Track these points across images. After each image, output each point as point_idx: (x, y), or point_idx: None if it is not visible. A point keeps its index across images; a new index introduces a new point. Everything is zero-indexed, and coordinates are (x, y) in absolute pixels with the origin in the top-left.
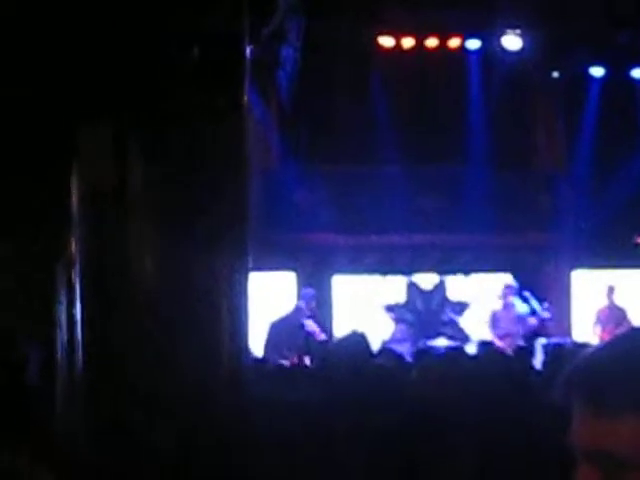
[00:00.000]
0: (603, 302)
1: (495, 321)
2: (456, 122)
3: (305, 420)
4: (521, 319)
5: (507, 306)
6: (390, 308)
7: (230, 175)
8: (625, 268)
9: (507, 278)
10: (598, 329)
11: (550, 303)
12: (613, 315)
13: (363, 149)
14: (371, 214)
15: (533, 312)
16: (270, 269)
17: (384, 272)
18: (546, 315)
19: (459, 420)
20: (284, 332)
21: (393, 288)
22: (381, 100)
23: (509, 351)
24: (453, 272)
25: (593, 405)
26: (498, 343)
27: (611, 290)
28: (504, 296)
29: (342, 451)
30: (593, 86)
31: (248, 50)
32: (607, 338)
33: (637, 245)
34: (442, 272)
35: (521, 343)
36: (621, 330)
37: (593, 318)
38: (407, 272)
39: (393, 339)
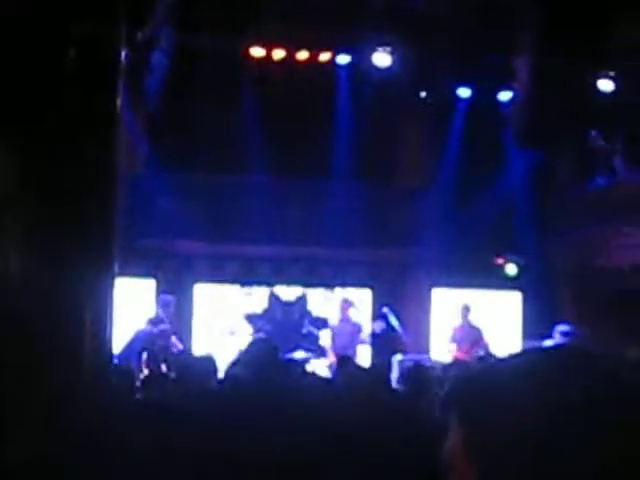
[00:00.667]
0: (458, 321)
1: (333, 336)
2: (323, 135)
3: (161, 429)
4: (356, 333)
5: (344, 320)
6: (250, 318)
7: (99, 180)
8: (484, 288)
9: (367, 293)
10: (453, 347)
11: (409, 320)
12: (468, 334)
13: (230, 158)
14: (235, 223)
15: (392, 328)
16: (131, 275)
17: (245, 282)
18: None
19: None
20: (142, 339)
21: (254, 298)
22: (250, 110)
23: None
24: (314, 285)
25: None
26: (331, 358)
27: (466, 309)
28: (341, 310)
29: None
30: (460, 106)
31: (123, 54)
32: (461, 357)
33: (496, 266)
34: (304, 284)
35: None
36: (476, 349)
37: (448, 336)
38: (269, 283)
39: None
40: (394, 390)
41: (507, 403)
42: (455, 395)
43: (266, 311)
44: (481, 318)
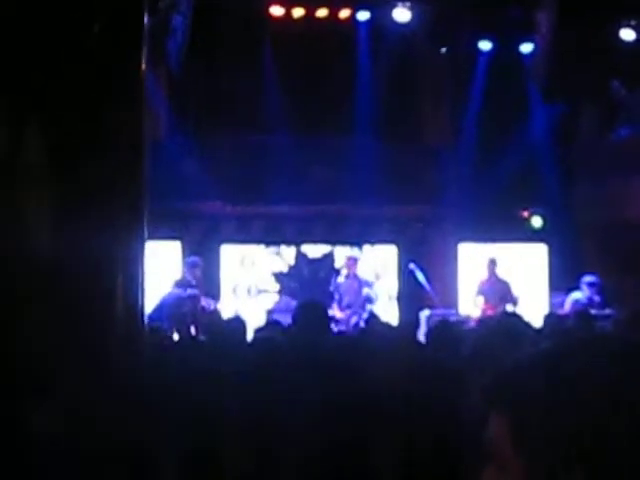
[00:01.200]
0: (485, 275)
1: (339, 293)
2: (345, 93)
3: (196, 392)
4: (363, 289)
5: (350, 277)
6: (277, 276)
7: (127, 144)
8: (510, 242)
9: (392, 250)
10: (481, 301)
11: (436, 275)
12: (496, 288)
13: (252, 119)
14: (259, 184)
15: (419, 284)
16: (157, 238)
17: (271, 242)
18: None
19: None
20: (170, 302)
21: (281, 257)
22: (271, 70)
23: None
24: (340, 243)
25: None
26: (338, 315)
27: (493, 263)
28: (347, 267)
29: (232, 425)
30: (481, 60)
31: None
32: (490, 311)
33: (521, 219)
34: (329, 243)
35: (363, 314)
36: (504, 303)
37: (475, 290)
38: (294, 242)
39: (277, 309)
40: (422, 345)
41: (564, 394)
42: (505, 383)
43: (293, 269)
44: (508, 272)
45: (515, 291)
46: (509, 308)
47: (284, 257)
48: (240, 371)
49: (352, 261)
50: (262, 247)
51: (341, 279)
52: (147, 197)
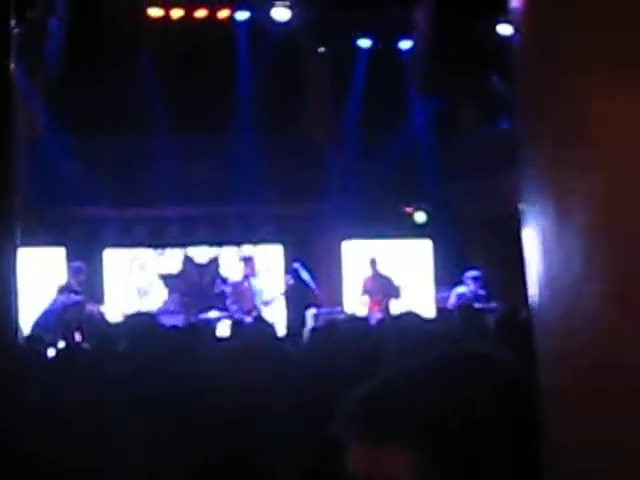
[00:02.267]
0: (368, 272)
1: (235, 294)
2: (226, 93)
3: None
4: (257, 291)
5: (246, 278)
6: (165, 278)
7: None
8: (395, 238)
9: (278, 249)
10: (366, 299)
11: (321, 274)
12: (379, 285)
13: (133, 120)
14: (142, 186)
15: (304, 283)
16: (40, 245)
17: (156, 244)
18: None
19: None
20: (54, 309)
21: (168, 260)
22: (151, 71)
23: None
24: (226, 243)
25: (363, 432)
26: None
27: (373, 262)
28: (244, 268)
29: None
30: (361, 57)
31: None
32: (376, 308)
33: (405, 215)
34: (214, 244)
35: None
36: (387, 299)
37: (360, 288)
38: (179, 244)
39: (165, 310)
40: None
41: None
42: (405, 413)
43: (181, 272)
44: (393, 268)
45: (397, 284)
46: (394, 302)
47: (171, 260)
48: (123, 375)
49: (248, 261)
50: (147, 250)
51: (237, 280)
52: (18, 202)
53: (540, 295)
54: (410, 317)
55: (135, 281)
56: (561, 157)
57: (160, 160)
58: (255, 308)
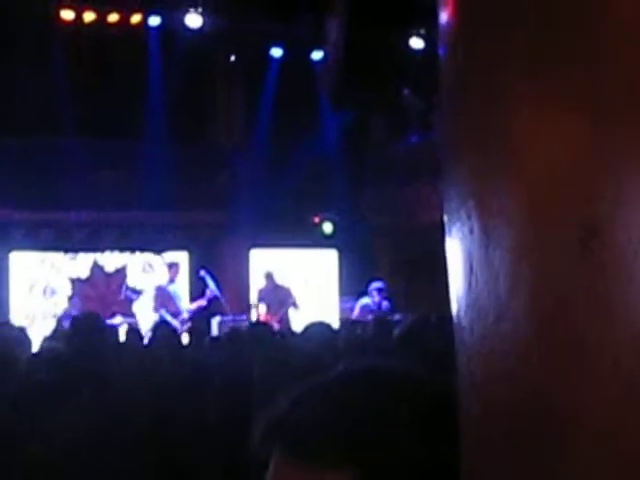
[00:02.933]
0: (263, 284)
1: (161, 299)
2: (137, 98)
3: None
4: (177, 296)
5: (172, 283)
6: (73, 281)
7: None
8: (302, 247)
9: (183, 256)
10: (263, 308)
11: (228, 282)
12: (275, 295)
13: (42, 122)
14: (49, 189)
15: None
16: None
17: (62, 249)
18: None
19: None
20: None
21: (77, 264)
22: (62, 73)
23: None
24: (131, 249)
25: (294, 455)
26: (173, 322)
27: (270, 274)
28: (170, 273)
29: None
30: (272, 66)
31: None
32: (272, 318)
33: (313, 225)
34: (120, 249)
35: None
36: (285, 308)
37: (256, 297)
38: (85, 249)
39: (67, 315)
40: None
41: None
42: (344, 432)
43: (89, 278)
44: (296, 278)
45: (294, 295)
46: (291, 312)
47: (81, 265)
48: (25, 383)
49: (174, 268)
50: (53, 254)
51: (162, 284)
52: None
53: (462, 314)
54: (321, 327)
55: (44, 281)
56: (484, 172)
57: (68, 163)
58: (180, 312)
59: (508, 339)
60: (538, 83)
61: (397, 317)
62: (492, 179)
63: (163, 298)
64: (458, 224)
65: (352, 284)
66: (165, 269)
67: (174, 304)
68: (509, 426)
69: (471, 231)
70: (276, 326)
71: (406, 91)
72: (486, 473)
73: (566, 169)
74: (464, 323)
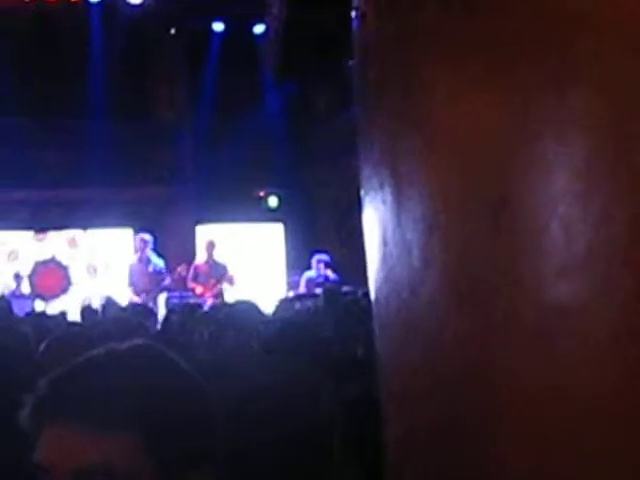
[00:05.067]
0: (203, 257)
1: (132, 276)
2: (79, 75)
3: None
4: (156, 274)
5: (142, 260)
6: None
7: None
8: (248, 222)
9: (128, 233)
10: (199, 285)
11: (174, 258)
12: (213, 270)
13: None
14: None
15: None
16: None
17: (4, 227)
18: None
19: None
20: None
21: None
22: (3, 51)
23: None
24: (76, 227)
25: (75, 422)
26: (135, 299)
27: (211, 245)
28: (140, 250)
29: None
30: (214, 40)
31: None
32: (208, 294)
33: (258, 198)
34: (65, 227)
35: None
36: (220, 286)
37: (191, 273)
38: (28, 227)
39: (15, 294)
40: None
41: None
42: (124, 400)
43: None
44: (245, 252)
45: (235, 270)
46: (226, 288)
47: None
48: None
49: (143, 243)
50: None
51: (133, 262)
52: None
53: (378, 287)
54: (247, 306)
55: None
56: (397, 141)
57: (8, 141)
58: (152, 289)
59: (422, 314)
60: (457, 62)
61: (345, 289)
62: (405, 149)
63: (134, 275)
64: (372, 193)
65: (298, 258)
66: (135, 244)
67: (141, 280)
68: (423, 392)
69: (384, 202)
70: (211, 301)
71: (348, 63)
72: (405, 440)
73: (478, 143)
74: (380, 296)
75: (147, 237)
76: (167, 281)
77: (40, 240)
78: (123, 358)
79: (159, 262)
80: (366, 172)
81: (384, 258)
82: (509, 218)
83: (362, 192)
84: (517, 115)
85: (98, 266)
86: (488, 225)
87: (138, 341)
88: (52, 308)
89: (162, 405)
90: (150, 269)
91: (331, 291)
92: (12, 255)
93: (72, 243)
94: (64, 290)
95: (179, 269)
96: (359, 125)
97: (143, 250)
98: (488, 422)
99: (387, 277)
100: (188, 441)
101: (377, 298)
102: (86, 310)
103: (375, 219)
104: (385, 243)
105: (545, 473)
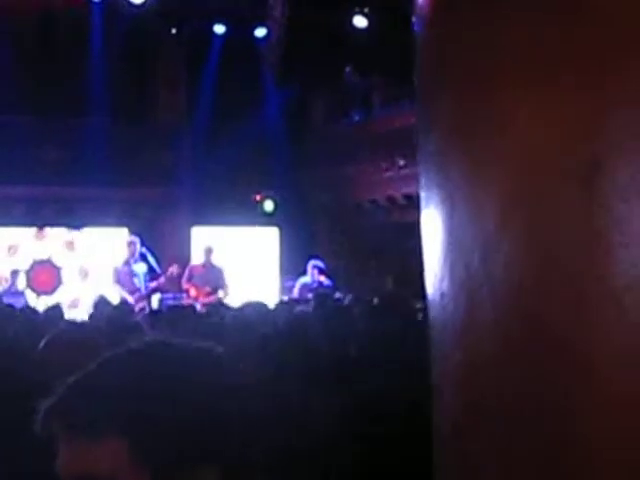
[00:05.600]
0: (200, 261)
1: (119, 277)
2: (79, 74)
3: None
4: (136, 275)
5: (129, 262)
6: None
7: None
8: (243, 225)
9: (123, 233)
10: (193, 288)
11: (169, 259)
12: (210, 275)
13: None
14: None
15: (151, 269)
16: None
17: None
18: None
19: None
20: None
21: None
22: (3, 49)
23: (139, 307)
24: (71, 226)
25: (68, 430)
26: (129, 299)
27: (209, 251)
28: (130, 252)
29: None
30: (215, 43)
31: None
32: (201, 298)
33: (254, 202)
34: (59, 225)
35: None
36: (216, 289)
37: (186, 275)
38: (24, 224)
39: (9, 291)
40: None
41: (166, 398)
42: (107, 407)
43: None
44: (239, 256)
45: (231, 275)
46: (220, 294)
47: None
48: None
49: (133, 245)
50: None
51: (119, 264)
52: None
53: (439, 286)
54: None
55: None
56: (474, 149)
57: (6, 138)
58: (138, 291)
59: (491, 308)
60: (519, 69)
61: (337, 295)
62: (478, 157)
63: (118, 278)
64: (434, 197)
65: (293, 263)
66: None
67: (130, 283)
68: (493, 392)
69: (446, 204)
70: (200, 306)
71: (348, 69)
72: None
73: (568, 108)
74: (440, 295)
75: (135, 239)
76: (161, 281)
77: (40, 239)
78: (115, 367)
79: (152, 262)
80: (426, 174)
81: (444, 257)
82: (603, 180)
83: (422, 194)
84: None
85: (90, 269)
86: (578, 190)
87: (145, 340)
88: (42, 304)
89: (147, 408)
90: (135, 270)
91: (322, 295)
92: (12, 250)
93: (70, 246)
94: (54, 289)
95: (170, 269)
96: (419, 130)
97: (132, 252)
98: (570, 397)
99: (448, 276)
100: (177, 443)
101: (435, 298)
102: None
103: (435, 220)
104: (444, 242)
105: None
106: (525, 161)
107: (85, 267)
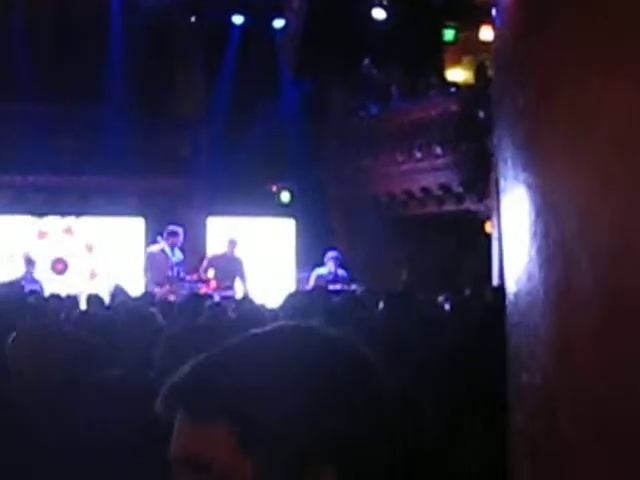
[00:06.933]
0: (222, 251)
1: (152, 263)
2: (97, 63)
3: None
4: (177, 264)
5: (163, 251)
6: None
7: None
8: (259, 216)
9: (140, 222)
10: (211, 275)
11: (185, 249)
12: (229, 266)
13: (1, 88)
14: (6, 152)
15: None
16: None
17: (17, 212)
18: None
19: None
20: None
21: (29, 229)
22: (22, 37)
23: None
24: (87, 214)
25: (185, 411)
26: (157, 290)
27: (233, 243)
28: (169, 241)
29: None
30: (233, 33)
31: None
32: (219, 286)
33: (271, 193)
34: (76, 214)
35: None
36: (234, 280)
37: (205, 263)
38: (40, 213)
39: (26, 279)
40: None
41: (276, 387)
42: (208, 388)
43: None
44: (255, 246)
45: (248, 265)
46: (238, 285)
47: (33, 229)
48: None
49: (176, 235)
50: (8, 217)
51: (154, 252)
52: None
53: (517, 284)
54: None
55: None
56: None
57: (25, 127)
58: (174, 279)
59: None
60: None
61: (353, 287)
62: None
63: (151, 266)
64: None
65: (309, 254)
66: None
67: (163, 272)
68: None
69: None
70: (217, 296)
71: (366, 61)
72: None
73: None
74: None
75: (178, 229)
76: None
77: (68, 232)
78: (240, 350)
79: (180, 255)
80: (506, 168)
81: (526, 255)
82: None
83: (502, 191)
84: None
85: (104, 271)
86: None
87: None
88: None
89: (261, 399)
90: (168, 260)
91: (322, 288)
92: (41, 234)
93: (90, 249)
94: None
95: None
96: (499, 126)
97: (175, 243)
98: None
99: (528, 274)
100: (298, 438)
101: (515, 296)
102: (92, 298)
103: (516, 215)
104: (528, 238)
105: None
106: (629, 127)
107: (97, 269)
